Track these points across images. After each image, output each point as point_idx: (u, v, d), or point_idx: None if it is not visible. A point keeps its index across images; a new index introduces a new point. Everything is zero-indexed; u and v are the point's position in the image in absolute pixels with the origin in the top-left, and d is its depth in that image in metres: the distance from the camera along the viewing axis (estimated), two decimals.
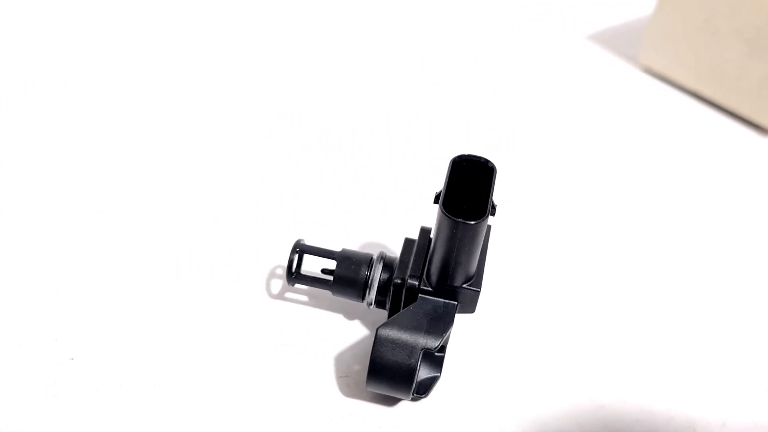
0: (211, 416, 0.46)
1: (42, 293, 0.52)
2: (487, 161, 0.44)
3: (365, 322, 0.52)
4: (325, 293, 0.52)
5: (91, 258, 0.55)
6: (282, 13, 0.86)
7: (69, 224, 0.57)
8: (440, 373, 0.48)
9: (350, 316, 0.52)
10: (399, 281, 0.47)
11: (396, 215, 0.61)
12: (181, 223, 0.58)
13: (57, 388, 0.47)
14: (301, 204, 0.61)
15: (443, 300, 0.45)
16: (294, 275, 0.49)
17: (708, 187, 0.67)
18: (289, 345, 0.50)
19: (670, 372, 0.51)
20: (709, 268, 0.59)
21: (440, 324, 0.44)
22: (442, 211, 0.42)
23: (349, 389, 0.48)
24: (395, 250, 0.56)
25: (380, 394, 0.47)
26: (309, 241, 0.53)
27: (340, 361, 0.50)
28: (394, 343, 0.44)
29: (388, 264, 0.48)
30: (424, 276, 0.46)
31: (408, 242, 0.48)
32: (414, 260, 0.47)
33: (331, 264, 0.49)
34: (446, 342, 0.47)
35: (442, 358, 0.48)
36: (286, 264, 0.54)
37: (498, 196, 0.45)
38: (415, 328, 0.44)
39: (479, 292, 0.45)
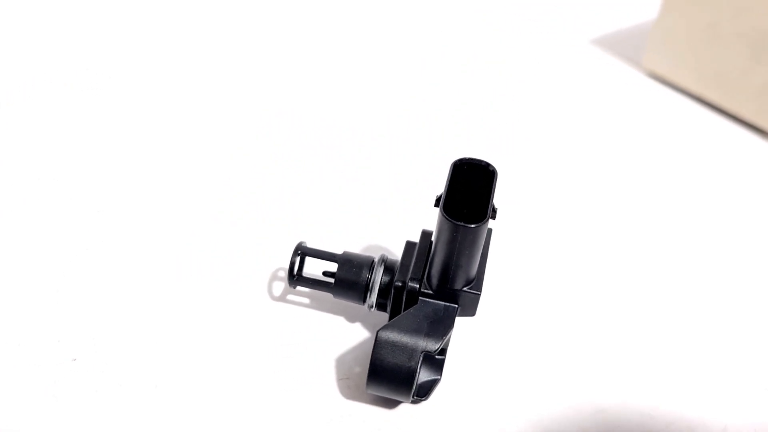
0: (212, 416, 0.46)
1: (42, 293, 0.52)
2: (488, 165, 0.44)
3: (366, 325, 0.52)
4: (327, 295, 0.52)
5: (91, 258, 0.55)
6: (282, 13, 0.86)
7: (69, 224, 0.57)
8: (441, 376, 0.48)
9: (351, 318, 0.52)
10: (400, 284, 0.47)
11: (396, 215, 0.61)
12: (181, 223, 0.58)
13: (57, 388, 0.47)
14: (301, 204, 0.61)
15: (444, 303, 0.46)
16: (295, 278, 0.49)
17: (711, 191, 0.67)
18: (289, 346, 0.50)
19: (670, 376, 0.51)
20: (712, 272, 0.59)
21: (440, 327, 0.45)
22: (443, 215, 0.42)
23: (349, 391, 0.48)
24: (395, 251, 0.57)
25: (380, 397, 0.47)
26: (309, 242, 0.53)
27: (341, 363, 0.50)
28: (394, 346, 0.44)
29: (389, 267, 0.48)
30: (425, 279, 0.46)
31: (409, 245, 0.49)
32: (415, 263, 0.47)
33: (333, 266, 0.50)
34: (447, 345, 0.47)
35: (443, 361, 0.48)
36: (286, 264, 0.55)
37: (499, 198, 0.45)
38: (416, 331, 0.44)
39: (479, 295, 0.45)
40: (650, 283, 0.58)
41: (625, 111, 0.76)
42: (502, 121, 0.73)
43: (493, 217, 0.43)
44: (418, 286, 0.46)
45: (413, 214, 0.59)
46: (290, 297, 0.54)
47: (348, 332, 0.52)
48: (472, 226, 0.41)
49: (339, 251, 0.51)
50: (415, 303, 0.46)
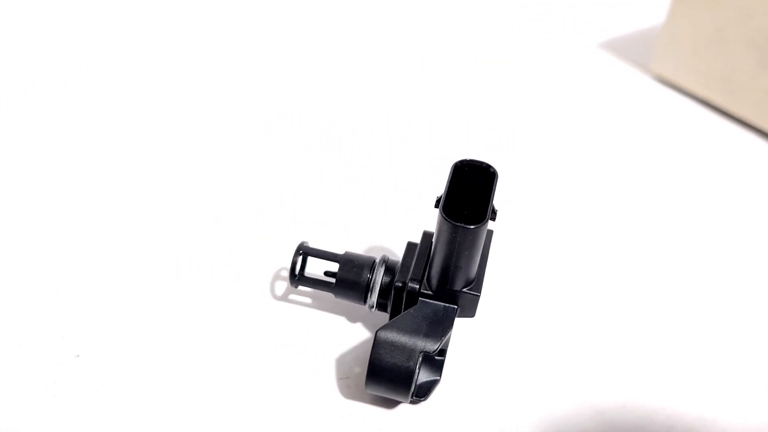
0: (212, 416, 0.46)
1: (42, 293, 0.52)
2: (489, 166, 0.44)
3: (367, 325, 0.52)
4: (328, 295, 0.52)
5: (91, 258, 0.55)
6: (282, 13, 0.86)
7: (69, 224, 0.57)
8: (440, 376, 0.48)
9: (352, 318, 0.53)
10: (400, 284, 0.47)
11: (396, 215, 0.61)
12: (181, 223, 0.59)
13: (57, 388, 0.47)
14: (301, 204, 0.61)
15: (443, 304, 0.46)
16: (297, 277, 0.50)
17: (718, 195, 0.67)
18: (289, 345, 0.51)
19: (670, 378, 0.51)
20: (716, 275, 0.59)
21: (439, 327, 0.45)
22: (442, 216, 0.42)
23: (349, 391, 0.48)
24: (395, 251, 0.57)
25: (380, 397, 0.47)
26: (310, 242, 0.53)
27: (341, 362, 0.50)
28: (393, 346, 0.44)
29: (390, 267, 0.48)
30: (425, 280, 0.46)
31: (410, 246, 0.49)
32: (415, 264, 0.47)
33: (334, 266, 0.50)
34: (446, 346, 0.48)
35: (442, 361, 0.48)
36: (286, 264, 0.55)
37: (499, 199, 0.45)
38: (415, 331, 0.44)
39: (479, 296, 0.45)
40: (651, 286, 0.58)
41: (632, 114, 0.76)
42: (502, 122, 0.73)
43: (493, 219, 0.43)
44: (417, 286, 0.46)
45: (413, 214, 0.59)
46: (290, 297, 0.54)
47: (349, 332, 0.52)
48: (472, 227, 0.41)
49: (340, 251, 0.51)
50: (415, 303, 0.46)
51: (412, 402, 0.47)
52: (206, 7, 0.85)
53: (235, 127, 0.69)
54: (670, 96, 0.78)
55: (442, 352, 0.48)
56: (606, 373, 0.51)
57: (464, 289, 0.45)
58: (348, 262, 0.49)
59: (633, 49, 0.84)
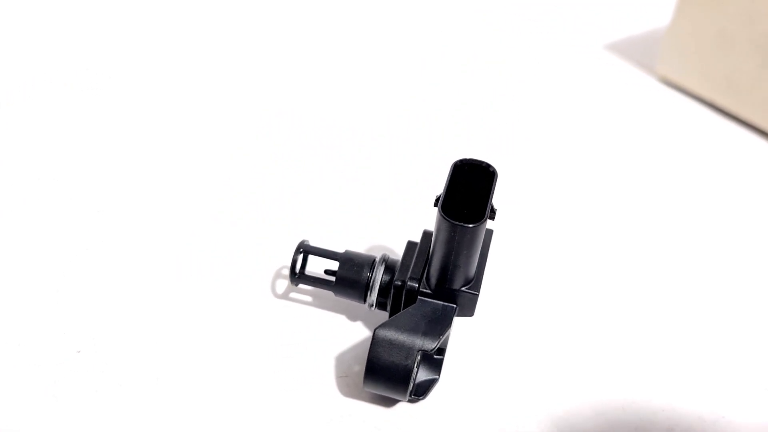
0: (212, 416, 0.46)
1: (42, 293, 0.52)
2: (488, 165, 0.44)
3: (367, 324, 0.52)
4: (328, 294, 0.52)
5: (91, 258, 0.55)
6: (282, 13, 0.86)
7: (69, 224, 0.57)
8: (439, 375, 0.48)
9: (352, 317, 0.53)
10: (399, 283, 0.47)
11: (396, 215, 0.61)
12: (181, 223, 0.59)
13: (57, 388, 0.47)
14: (301, 204, 0.61)
15: (442, 303, 0.46)
16: (297, 275, 0.50)
17: (722, 198, 0.66)
18: (289, 345, 0.51)
19: (671, 379, 0.51)
20: (720, 277, 0.59)
21: (438, 326, 0.45)
22: (441, 214, 0.42)
23: (348, 389, 0.48)
24: (394, 251, 0.57)
25: (380, 395, 0.47)
26: (310, 242, 0.53)
27: (341, 361, 0.50)
28: (391, 344, 0.44)
29: (390, 266, 0.48)
30: (424, 278, 0.46)
31: (410, 245, 0.49)
32: (415, 263, 0.47)
33: (334, 265, 0.50)
34: (445, 345, 0.48)
35: (441, 360, 0.48)
36: (286, 264, 0.55)
37: (499, 199, 0.45)
38: (413, 330, 0.44)
39: (478, 295, 0.45)
40: (653, 287, 0.57)
41: (636, 115, 0.76)
42: (502, 122, 0.73)
43: (492, 218, 0.43)
44: (417, 285, 0.46)
45: (413, 214, 0.59)
46: (290, 297, 0.54)
47: (348, 331, 0.52)
48: (470, 226, 0.41)
49: (341, 250, 0.51)
50: (415, 302, 0.46)
51: (411, 401, 0.47)
52: (206, 8, 0.85)
53: (235, 127, 0.69)
54: (675, 98, 0.78)
55: (441, 351, 0.48)
56: (606, 374, 0.51)
57: (463, 288, 0.45)
58: (348, 260, 0.49)
59: (638, 51, 0.84)
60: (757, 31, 0.69)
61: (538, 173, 0.67)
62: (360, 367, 0.49)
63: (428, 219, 0.49)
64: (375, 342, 0.44)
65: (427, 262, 0.46)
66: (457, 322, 0.49)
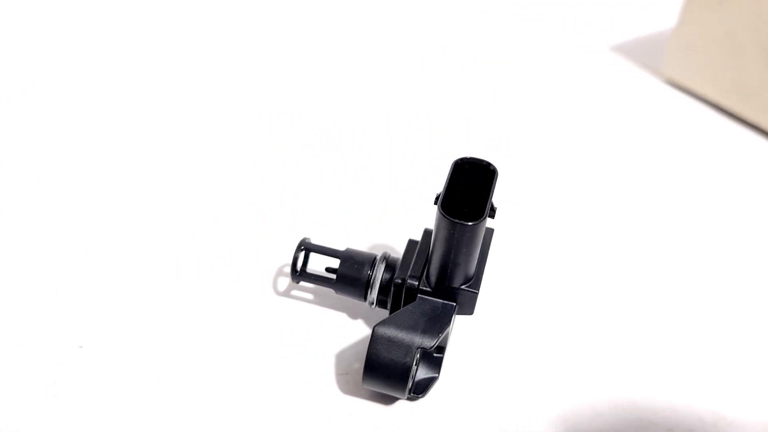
0: (212, 416, 0.46)
1: (42, 293, 0.52)
2: (489, 164, 0.44)
3: (368, 322, 0.52)
4: (329, 292, 0.52)
5: (91, 258, 0.55)
6: (282, 13, 0.86)
7: (69, 224, 0.57)
8: (438, 373, 0.48)
9: (353, 315, 0.53)
10: (399, 281, 0.47)
11: (396, 215, 0.61)
12: (181, 223, 0.59)
13: (57, 388, 0.47)
14: (301, 204, 0.61)
15: (442, 301, 0.46)
16: (298, 273, 0.50)
17: (728, 199, 0.66)
18: (290, 344, 0.51)
19: (671, 380, 0.51)
20: (723, 278, 0.59)
21: (437, 324, 0.45)
22: (441, 212, 0.42)
23: (348, 387, 0.48)
24: (395, 250, 0.57)
25: (379, 393, 0.47)
26: (311, 241, 0.53)
27: (341, 358, 0.50)
28: (391, 342, 0.44)
29: (390, 264, 0.48)
30: (424, 277, 0.46)
31: (411, 243, 0.49)
32: (415, 261, 0.47)
33: (335, 263, 0.50)
34: (445, 343, 0.48)
35: (441, 358, 0.48)
36: (286, 263, 0.55)
37: (500, 198, 0.45)
38: (412, 328, 0.44)
39: (477, 293, 0.45)
40: (654, 289, 0.57)
41: (642, 117, 0.75)
42: (502, 122, 0.73)
43: (492, 216, 0.43)
44: (417, 283, 0.46)
45: (413, 214, 0.59)
46: (291, 296, 0.54)
47: (349, 329, 0.52)
48: (469, 224, 0.41)
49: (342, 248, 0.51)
50: (414, 300, 0.46)
51: (410, 398, 0.47)
52: (206, 8, 0.85)
53: (235, 127, 0.69)
54: (681, 99, 0.78)
55: (441, 350, 0.48)
56: (606, 374, 0.51)
57: (463, 287, 0.45)
58: (349, 258, 0.49)
59: (644, 53, 0.83)
60: (764, 33, 0.69)
61: (539, 173, 0.67)
62: (360, 365, 0.49)
63: (428, 218, 0.49)
64: (374, 339, 0.44)
65: (428, 260, 0.46)
66: (457, 320, 0.49)
